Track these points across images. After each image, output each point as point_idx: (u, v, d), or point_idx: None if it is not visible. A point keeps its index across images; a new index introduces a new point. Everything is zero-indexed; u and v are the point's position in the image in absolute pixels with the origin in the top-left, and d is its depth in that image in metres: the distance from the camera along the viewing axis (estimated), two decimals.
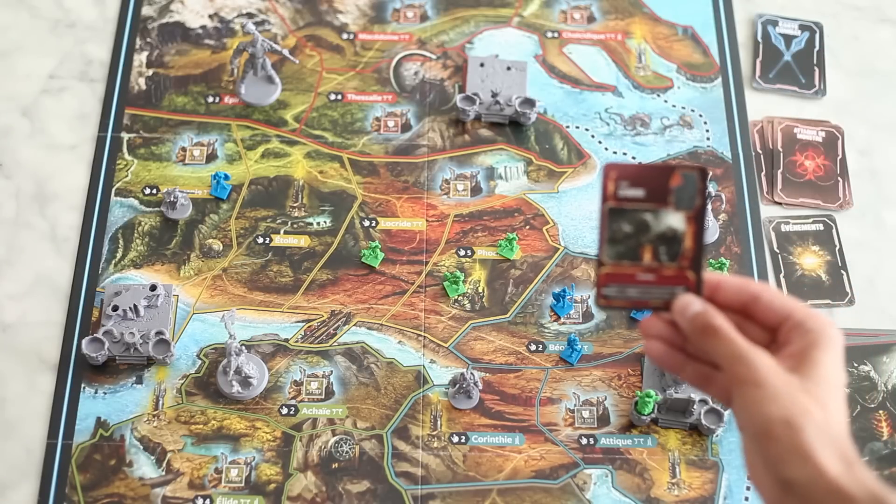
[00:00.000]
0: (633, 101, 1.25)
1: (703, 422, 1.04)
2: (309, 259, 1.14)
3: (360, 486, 1.02)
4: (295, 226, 1.16)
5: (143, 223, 1.16)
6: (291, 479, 1.02)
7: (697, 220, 0.68)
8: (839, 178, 1.22)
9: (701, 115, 1.25)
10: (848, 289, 1.15)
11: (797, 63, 1.29)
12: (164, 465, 1.03)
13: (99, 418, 1.05)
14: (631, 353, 1.10)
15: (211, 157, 1.20)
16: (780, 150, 1.23)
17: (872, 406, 1.08)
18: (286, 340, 1.09)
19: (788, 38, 1.31)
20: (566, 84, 1.27)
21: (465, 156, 1.21)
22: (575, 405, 1.07)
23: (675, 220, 0.68)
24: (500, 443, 1.05)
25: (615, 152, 1.22)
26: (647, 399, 1.03)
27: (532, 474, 1.03)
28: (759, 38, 1.31)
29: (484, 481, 1.03)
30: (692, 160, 1.21)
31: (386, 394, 1.07)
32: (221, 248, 1.15)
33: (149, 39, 1.28)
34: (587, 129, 1.23)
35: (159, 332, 1.07)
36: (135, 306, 1.08)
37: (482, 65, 1.25)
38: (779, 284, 1.15)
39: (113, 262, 1.13)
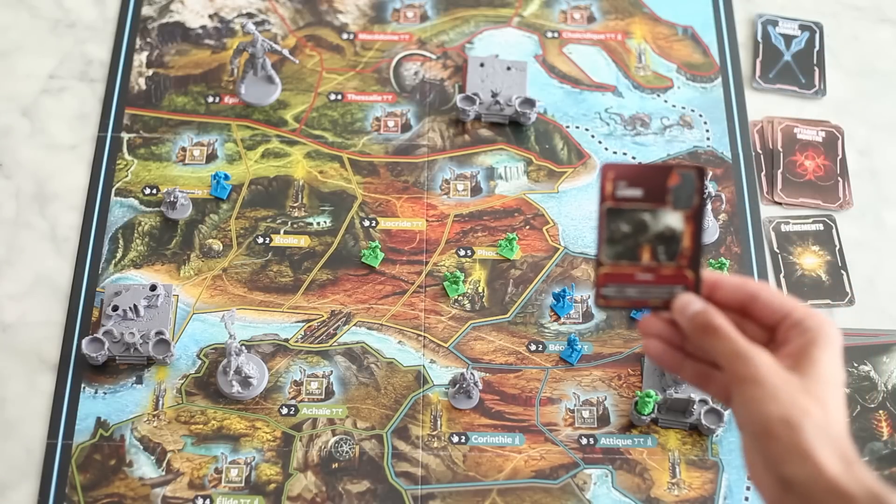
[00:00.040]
0: (633, 101, 1.25)
1: (703, 422, 1.04)
2: (309, 259, 1.14)
3: (360, 486, 1.02)
4: (295, 226, 1.16)
5: (143, 223, 1.16)
6: (291, 479, 1.02)
7: (696, 220, 0.68)
8: (839, 178, 1.21)
9: (701, 115, 1.24)
10: (848, 289, 1.15)
11: (797, 63, 1.29)
12: (164, 465, 1.03)
13: (99, 418, 1.05)
14: (631, 353, 1.10)
15: (211, 157, 1.20)
16: (780, 150, 1.22)
17: (872, 406, 1.08)
18: (286, 340, 1.09)
19: (788, 38, 1.31)
20: (566, 84, 1.27)
21: (465, 156, 1.21)
22: (575, 405, 1.07)
23: (673, 219, 0.68)
24: (500, 443, 1.05)
25: (615, 152, 1.22)
26: (647, 399, 1.03)
27: (532, 474, 1.03)
28: (759, 38, 1.31)
29: (484, 481, 1.03)
30: (692, 160, 1.21)
31: (386, 394, 1.07)
32: (221, 248, 1.15)
33: (149, 39, 1.29)
34: (587, 129, 1.23)
35: (159, 332, 1.07)
36: (135, 306, 1.08)
37: (482, 65, 1.25)
38: (779, 284, 1.15)
39: (113, 262, 1.13)
